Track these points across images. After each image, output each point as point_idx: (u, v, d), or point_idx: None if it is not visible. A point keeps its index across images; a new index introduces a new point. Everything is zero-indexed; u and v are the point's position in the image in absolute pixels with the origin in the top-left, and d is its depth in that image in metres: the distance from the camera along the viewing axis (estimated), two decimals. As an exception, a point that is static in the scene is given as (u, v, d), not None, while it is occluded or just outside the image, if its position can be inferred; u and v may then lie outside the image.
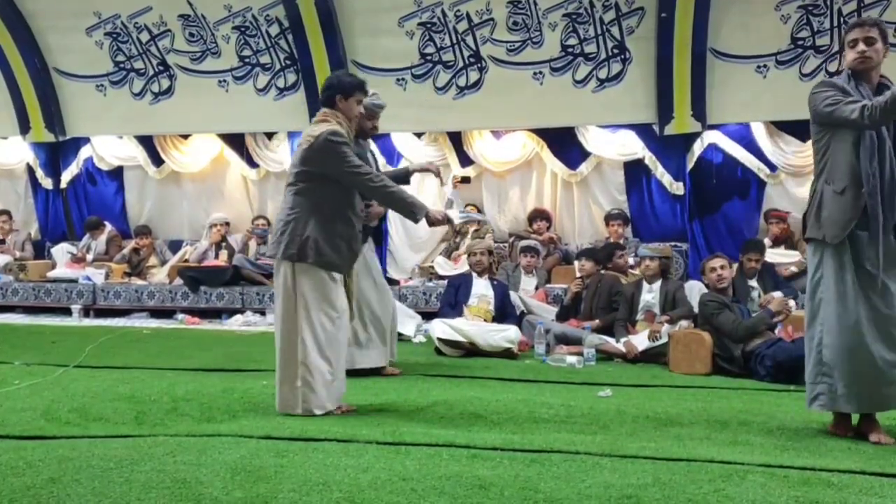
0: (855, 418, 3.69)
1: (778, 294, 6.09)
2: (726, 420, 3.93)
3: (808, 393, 3.66)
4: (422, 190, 9.39)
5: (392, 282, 8.95)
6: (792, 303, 6.17)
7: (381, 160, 9.22)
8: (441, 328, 6.19)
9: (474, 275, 6.78)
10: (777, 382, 5.10)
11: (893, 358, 3.46)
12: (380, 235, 4.51)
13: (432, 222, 4.16)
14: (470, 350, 6.14)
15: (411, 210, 4.09)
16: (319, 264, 3.94)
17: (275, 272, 4.08)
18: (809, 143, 8.77)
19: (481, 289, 6.68)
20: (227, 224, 9.59)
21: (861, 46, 3.52)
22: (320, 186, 4.00)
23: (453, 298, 6.67)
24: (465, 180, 9.17)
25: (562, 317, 6.80)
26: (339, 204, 4.03)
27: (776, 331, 5.61)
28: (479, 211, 9.17)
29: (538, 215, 8.93)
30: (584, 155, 8.97)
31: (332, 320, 3.99)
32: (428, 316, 7.42)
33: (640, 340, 6.06)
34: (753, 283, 6.55)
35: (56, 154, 10.31)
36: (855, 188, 3.47)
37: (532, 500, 2.61)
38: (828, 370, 3.55)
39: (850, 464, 3.11)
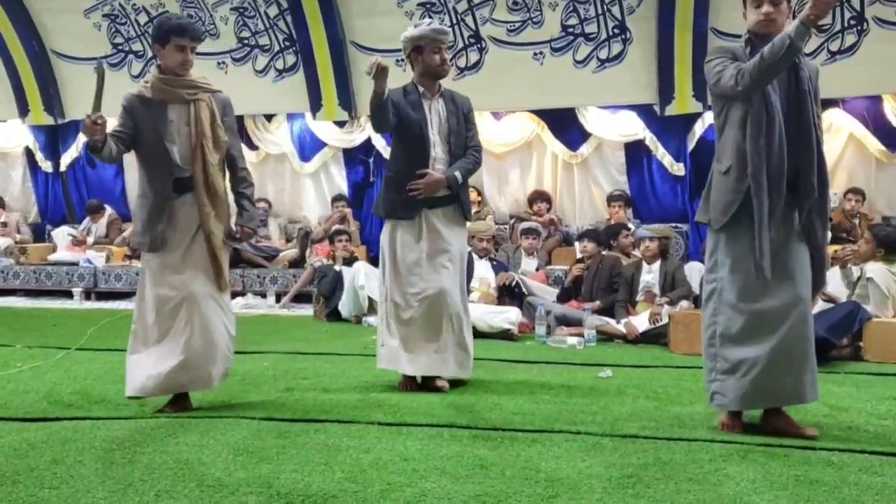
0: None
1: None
2: (727, 400, 3.93)
3: (706, 389, 3.35)
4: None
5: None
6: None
7: (381, 142, 9.23)
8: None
9: (475, 256, 6.79)
10: (777, 362, 5.10)
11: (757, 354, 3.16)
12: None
13: (88, 135, 3.59)
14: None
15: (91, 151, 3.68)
16: None
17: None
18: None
19: (482, 270, 6.70)
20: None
21: (766, 7, 3.22)
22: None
23: None
24: None
25: (562, 298, 6.80)
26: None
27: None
28: (480, 193, 9.14)
29: (538, 197, 8.91)
30: (585, 136, 8.94)
31: None
32: (428, 298, 7.41)
33: (640, 321, 6.07)
34: (754, 263, 6.54)
35: (55, 137, 10.30)
36: (739, 169, 3.15)
37: (533, 479, 2.62)
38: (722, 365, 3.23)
39: (851, 443, 3.12)
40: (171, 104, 3.67)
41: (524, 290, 6.84)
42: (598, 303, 6.48)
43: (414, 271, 4.14)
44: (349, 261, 7.62)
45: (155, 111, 3.65)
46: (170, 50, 3.64)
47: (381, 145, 9.26)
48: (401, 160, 4.25)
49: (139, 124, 3.66)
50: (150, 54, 9.40)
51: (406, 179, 4.13)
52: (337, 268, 7.50)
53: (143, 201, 3.66)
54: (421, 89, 4.24)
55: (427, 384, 4.18)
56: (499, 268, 6.82)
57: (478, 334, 6.10)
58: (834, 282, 6.41)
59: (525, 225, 8.04)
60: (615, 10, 8.29)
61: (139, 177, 3.73)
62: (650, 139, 8.64)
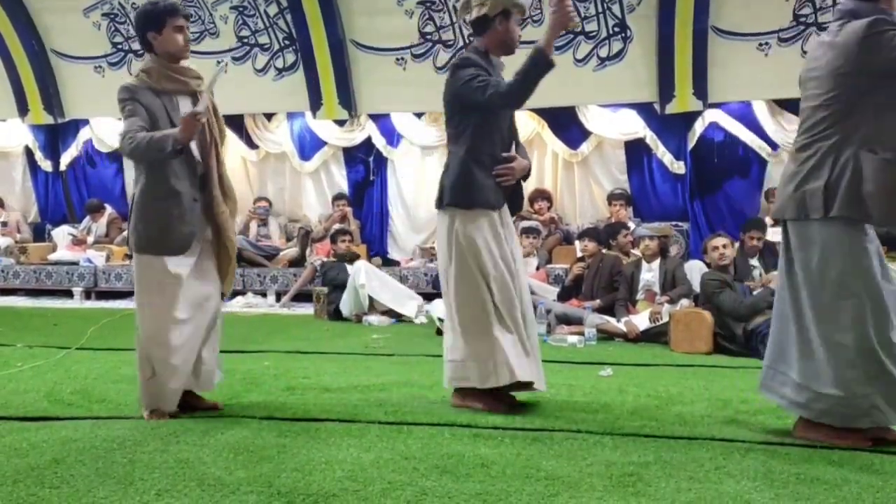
0: None
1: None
2: (727, 398, 3.93)
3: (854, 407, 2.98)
4: (424, 170, 9.39)
5: (393, 262, 8.98)
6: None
7: (381, 141, 9.24)
8: (443, 308, 6.19)
9: None
10: (778, 361, 5.10)
11: None
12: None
13: (188, 133, 3.27)
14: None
15: (165, 149, 3.25)
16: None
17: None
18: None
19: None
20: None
21: None
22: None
23: None
24: None
25: (563, 297, 6.80)
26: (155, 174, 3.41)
27: (777, 309, 5.60)
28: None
29: (539, 195, 8.91)
30: (585, 134, 8.93)
31: None
32: (429, 297, 7.42)
33: (640, 320, 6.07)
34: (755, 261, 6.54)
35: (55, 136, 10.30)
36: None
37: (534, 478, 2.62)
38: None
39: (851, 441, 3.12)
40: (180, 95, 3.45)
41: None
42: (598, 301, 6.49)
43: (509, 269, 3.58)
44: (351, 259, 7.63)
45: (166, 102, 3.41)
46: (168, 33, 3.36)
47: (381, 144, 9.27)
48: (486, 141, 3.60)
49: (152, 116, 3.37)
50: (149, 53, 9.39)
51: (493, 163, 3.60)
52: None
53: (173, 201, 3.35)
54: (494, 61, 3.67)
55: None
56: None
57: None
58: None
59: (525, 224, 8.04)
60: (615, 8, 8.28)
61: (156, 175, 3.37)
62: (650, 137, 8.64)
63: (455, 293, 3.60)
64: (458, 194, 3.56)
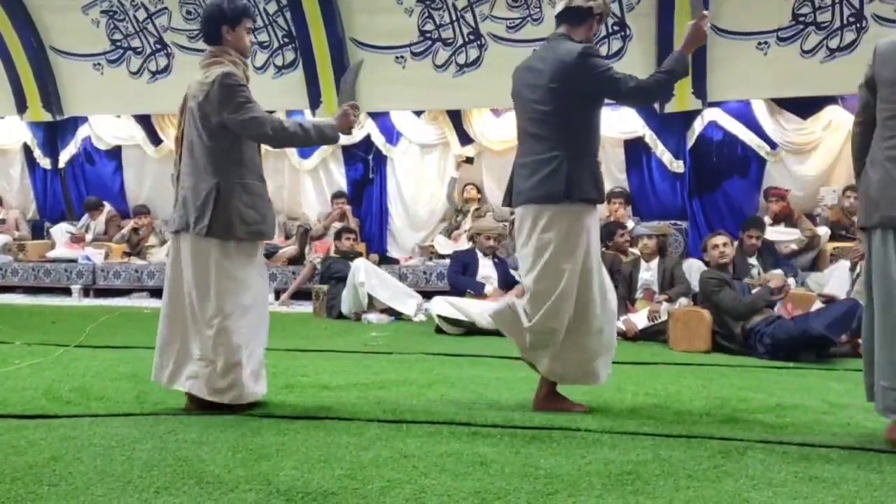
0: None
1: (778, 272, 6.09)
2: (726, 397, 3.94)
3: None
4: (423, 169, 9.39)
5: (392, 261, 8.97)
6: (791, 280, 6.18)
7: (381, 139, 9.23)
8: (442, 306, 6.21)
9: (479, 254, 6.78)
10: (776, 360, 5.12)
11: None
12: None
13: (346, 126, 3.65)
14: (470, 328, 6.16)
15: (326, 139, 3.70)
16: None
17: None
18: (810, 120, 8.76)
19: (487, 270, 6.71)
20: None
21: None
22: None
23: (462, 271, 6.68)
24: (469, 161, 9.11)
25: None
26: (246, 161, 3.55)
27: (776, 308, 5.62)
28: (479, 190, 9.14)
29: None
30: (585, 133, 8.91)
31: None
32: (428, 295, 7.42)
33: (639, 319, 6.07)
34: (753, 260, 6.55)
35: (54, 133, 10.27)
36: None
37: (532, 476, 2.62)
38: None
39: (850, 440, 3.13)
40: None
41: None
42: (597, 300, 6.48)
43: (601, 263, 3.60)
44: (353, 257, 7.61)
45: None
46: (240, 31, 3.57)
47: (381, 142, 9.26)
48: (592, 135, 3.66)
49: None
50: (148, 50, 9.40)
51: (595, 158, 3.62)
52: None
53: (265, 189, 3.61)
54: None
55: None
56: (501, 266, 6.81)
57: (478, 331, 6.13)
58: (833, 280, 6.43)
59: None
60: (615, 7, 8.26)
61: (249, 165, 3.53)
62: (650, 136, 8.63)
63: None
64: (590, 188, 3.55)
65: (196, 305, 3.48)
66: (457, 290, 6.58)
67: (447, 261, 8.26)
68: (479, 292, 6.49)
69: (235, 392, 3.44)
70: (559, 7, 3.61)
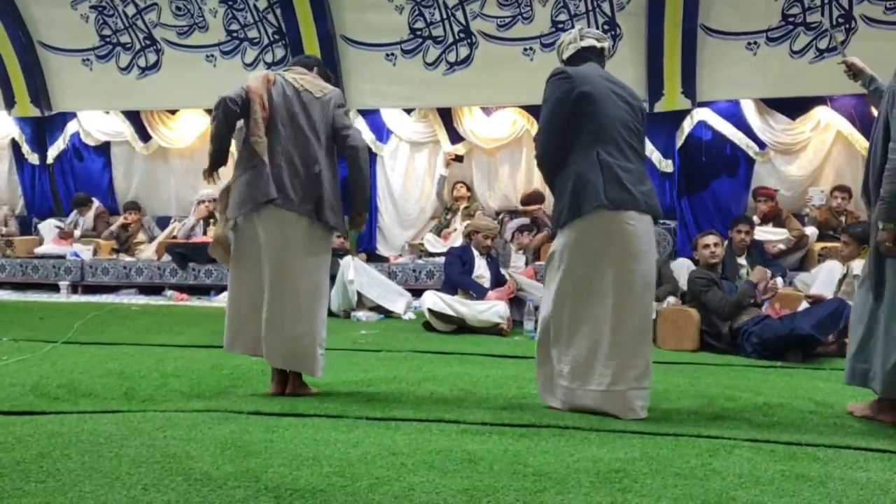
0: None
1: (759, 267, 6.12)
2: (713, 396, 3.96)
3: None
4: (413, 166, 9.39)
5: (382, 259, 8.96)
6: (780, 280, 6.21)
7: (370, 136, 9.22)
8: (432, 300, 6.19)
9: (475, 252, 6.75)
10: (763, 359, 5.14)
11: None
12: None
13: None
14: (459, 325, 6.16)
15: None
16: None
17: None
18: (798, 120, 8.79)
19: (481, 269, 6.69)
20: (215, 200, 9.51)
21: None
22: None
23: (460, 268, 6.66)
24: (458, 159, 9.14)
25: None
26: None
27: (763, 308, 5.65)
28: (469, 188, 9.15)
29: (533, 200, 8.72)
30: (575, 132, 8.91)
31: None
32: (417, 293, 7.42)
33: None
34: (742, 260, 6.58)
35: (42, 129, 10.20)
36: None
37: (521, 473, 2.63)
38: None
39: (836, 439, 3.15)
40: None
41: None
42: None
43: None
44: (341, 255, 7.60)
45: None
46: None
47: (371, 139, 9.23)
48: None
49: None
50: (137, 46, 9.34)
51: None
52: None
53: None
54: None
55: None
56: (493, 264, 6.81)
57: (467, 329, 6.14)
58: (819, 280, 6.46)
59: (519, 222, 8.06)
60: (605, 6, 8.29)
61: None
62: (639, 136, 8.64)
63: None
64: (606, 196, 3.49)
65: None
66: (454, 288, 6.55)
67: (437, 259, 8.26)
68: (481, 296, 6.44)
69: None
70: (607, 44, 3.74)
